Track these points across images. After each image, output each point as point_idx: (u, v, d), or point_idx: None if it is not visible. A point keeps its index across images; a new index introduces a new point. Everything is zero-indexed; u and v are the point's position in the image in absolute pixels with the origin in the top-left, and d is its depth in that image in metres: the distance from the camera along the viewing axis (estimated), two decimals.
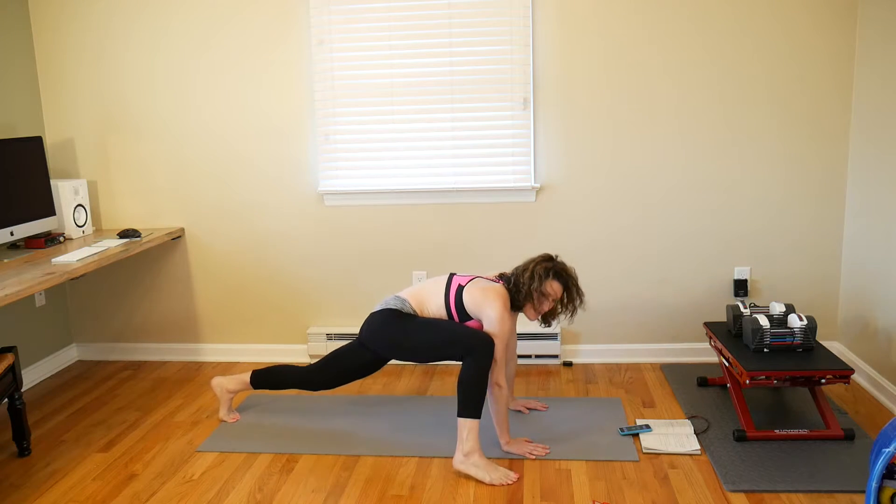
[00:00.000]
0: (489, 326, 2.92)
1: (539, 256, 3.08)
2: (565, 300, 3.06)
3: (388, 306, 3.07)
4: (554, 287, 3.01)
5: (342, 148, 3.91)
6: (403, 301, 3.08)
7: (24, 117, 3.94)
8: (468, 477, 2.81)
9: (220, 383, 3.35)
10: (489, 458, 2.88)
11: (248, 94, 3.93)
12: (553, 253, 3.15)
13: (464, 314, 3.01)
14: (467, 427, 2.81)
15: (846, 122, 3.67)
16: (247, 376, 3.32)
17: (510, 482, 2.76)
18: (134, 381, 3.95)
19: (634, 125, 3.76)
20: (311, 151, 3.95)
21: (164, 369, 4.11)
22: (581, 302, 3.08)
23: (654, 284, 3.90)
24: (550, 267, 3.02)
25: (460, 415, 2.82)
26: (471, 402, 2.81)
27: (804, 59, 3.63)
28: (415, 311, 3.07)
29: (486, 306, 2.93)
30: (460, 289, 3.02)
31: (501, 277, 3.12)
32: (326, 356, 3.21)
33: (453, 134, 3.83)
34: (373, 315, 3.09)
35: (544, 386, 3.68)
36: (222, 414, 3.36)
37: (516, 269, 3.09)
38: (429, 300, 3.07)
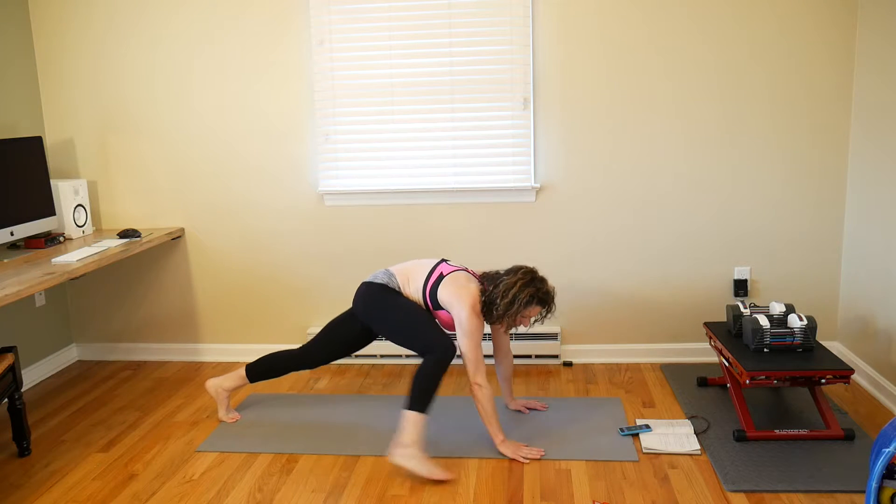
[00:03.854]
0: (458, 326, 2.95)
1: (519, 277, 2.97)
2: (540, 316, 3.06)
3: (377, 280, 3.12)
4: (535, 311, 3.00)
5: (342, 148, 3.91)
6: (391, 276, 3.13)
7: (24, 117, 3.94)
8: (403, 469, 2.85)
9: (217, 384, 3.35)
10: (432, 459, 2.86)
11: (248, 94, 3.93)
12: (530, 266, 3.06)
13: (436, 304, 3.04)
14: (411, 420, 2.81)
15: (846, 123, 3.67)
16: (241, 371, 3.32)
17: (446, 479, 2.78)
18: (134, 381, 3.95)
19: (634, 125, 3.76)
20: (311, 151, 3.95)
21: (164, 369, 4.11)
22: (551, 313, 3.07)
23: (655, 284, 3.90)
24: (534, 293, 2.95)
25: (407, 407, 2.83)
26: (420, 397, 2.82)
27: (804, 58, 3.63)
28: (400, 287, 3.12)
29: (455, 307, 2.96)
30: (440, 278, 3.04)
31: (484, 277, 3.09)
32: (320, 331, 3.28)
33: (453, 134, 3.83)
34: (362, 286, 3.15)
35: (544, 386, 3.68)
36: (221, 414, 3.36)
37: (493, 285, 2.98)
38: (412, 280, 3.11)
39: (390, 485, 2.78)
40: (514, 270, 3.02)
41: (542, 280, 3.02)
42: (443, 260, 3.15)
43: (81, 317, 4.28)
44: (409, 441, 2.81)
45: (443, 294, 3.00)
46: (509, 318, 2.96)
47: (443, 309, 3.04)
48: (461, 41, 3.75)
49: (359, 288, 3.16)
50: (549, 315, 3.06)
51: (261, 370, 3.30)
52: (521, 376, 3.81)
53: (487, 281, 3.04)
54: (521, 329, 3.90)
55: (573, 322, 3.98)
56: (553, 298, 3.03)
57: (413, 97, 3.82)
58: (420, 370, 2.85)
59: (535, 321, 3.07)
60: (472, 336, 2.92)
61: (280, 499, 2.72)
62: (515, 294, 2.94)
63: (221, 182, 4.04)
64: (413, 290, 3.10)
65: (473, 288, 3.00)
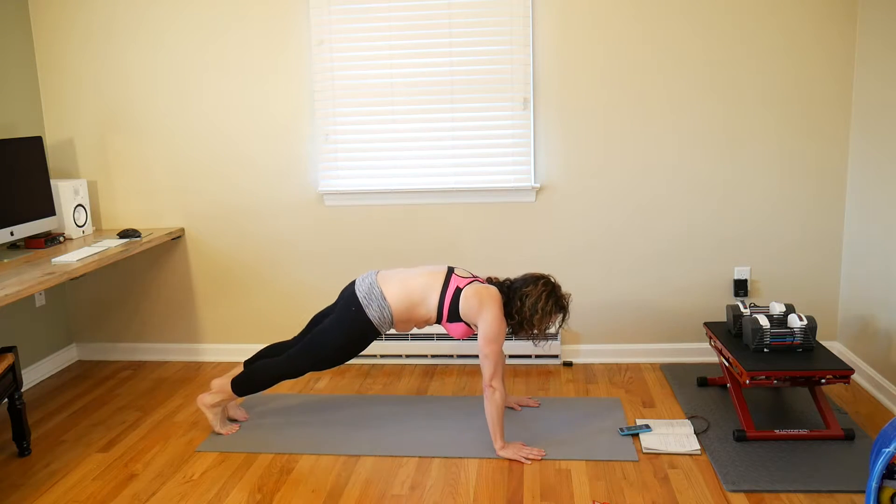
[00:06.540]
0: (487, 328, 2.93)
1: (541, 288, 2.98)
2: (558, 323, 3.09)
3: (368, 312, 2.99)
4: (555, 318, 3.03)
5: (342, 148, 3.91)
6: (383, 310, 3.00)
7: (24, 117, 3.94)
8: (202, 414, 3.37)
9: (202, 400, 3.21)
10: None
11: (249, 93, 3.93)
12: (546, 273, 3.08)
13: (455, 316, 3.01)
14: (226, 392, 3.13)
15: (846, 122, 3.67)
16: (227, 386, 3.17)
17: (226, 433, 3.20)
18: (134, 381, 3.95)
19: (634, 125, 3.76)
20: (311, 151, 3.95)
21: (164, 369, 4.11)
22: (567, 321, 3.14)
23: (655, 284, 3.90)
24: (556, 301, 3.00)
25: (232, 382, 3.11)
26: (246, 383, 3.10)
27: (804, 58, 3.63)
28: (393, 319, 3.02)
29: (484, 314, 2.94)
30: (458, 292, 3.00)
31: (491, 283, 3.09)
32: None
33: (453, 134, 3.83)
34: (352, 292, 3.05)
35: (544, 386, 3.69)
36: (217, 428, 3.23)
37: (518, 299, 2.98)
38: (422, 301, 3.01)
39: (390, 485, 2.78)
40: (534, 280, 3.01)
41: (559, 286, 3.05)
42: (450, 270, 3.09)
43: (81, 317, 4.28)
44: (211, 402, 3.17)
45: (465, 307, 2.97)
46: (538, 329, 3.00)
47: (460, 321, 3.01)
48: (461, 41, 3.75)
49: (348, 288, 3.09)
50: (565, 322, 3.10)
51: (247, 386, 3.16)
52: (522, 376, 3.81)
53: (502, 290, 3.04)
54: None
55: (573, 322, 3.98)
56: (569, 304, 3.08)
57: (413, 97, 3.82)
58: (270, 361, 3.09)
59: (550, 328, 3.08)
60: (499, 340, 2.93)
61: (280, 499, 2.72)
62: (542, 307, 2.96)
63: (221, 182, 4.04)
64: (425, 311, 3.02)
65: (493, 290, 3.00)
